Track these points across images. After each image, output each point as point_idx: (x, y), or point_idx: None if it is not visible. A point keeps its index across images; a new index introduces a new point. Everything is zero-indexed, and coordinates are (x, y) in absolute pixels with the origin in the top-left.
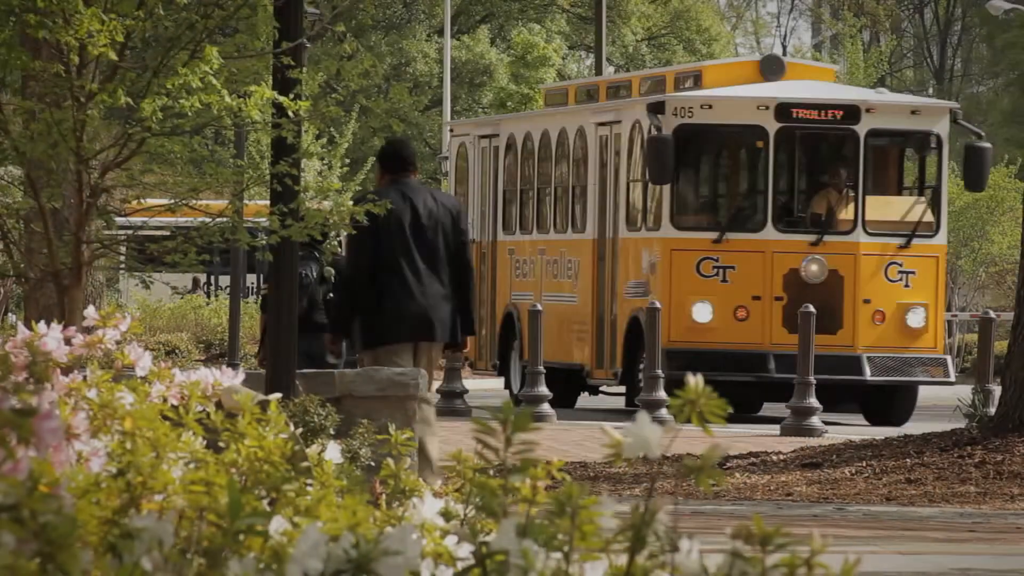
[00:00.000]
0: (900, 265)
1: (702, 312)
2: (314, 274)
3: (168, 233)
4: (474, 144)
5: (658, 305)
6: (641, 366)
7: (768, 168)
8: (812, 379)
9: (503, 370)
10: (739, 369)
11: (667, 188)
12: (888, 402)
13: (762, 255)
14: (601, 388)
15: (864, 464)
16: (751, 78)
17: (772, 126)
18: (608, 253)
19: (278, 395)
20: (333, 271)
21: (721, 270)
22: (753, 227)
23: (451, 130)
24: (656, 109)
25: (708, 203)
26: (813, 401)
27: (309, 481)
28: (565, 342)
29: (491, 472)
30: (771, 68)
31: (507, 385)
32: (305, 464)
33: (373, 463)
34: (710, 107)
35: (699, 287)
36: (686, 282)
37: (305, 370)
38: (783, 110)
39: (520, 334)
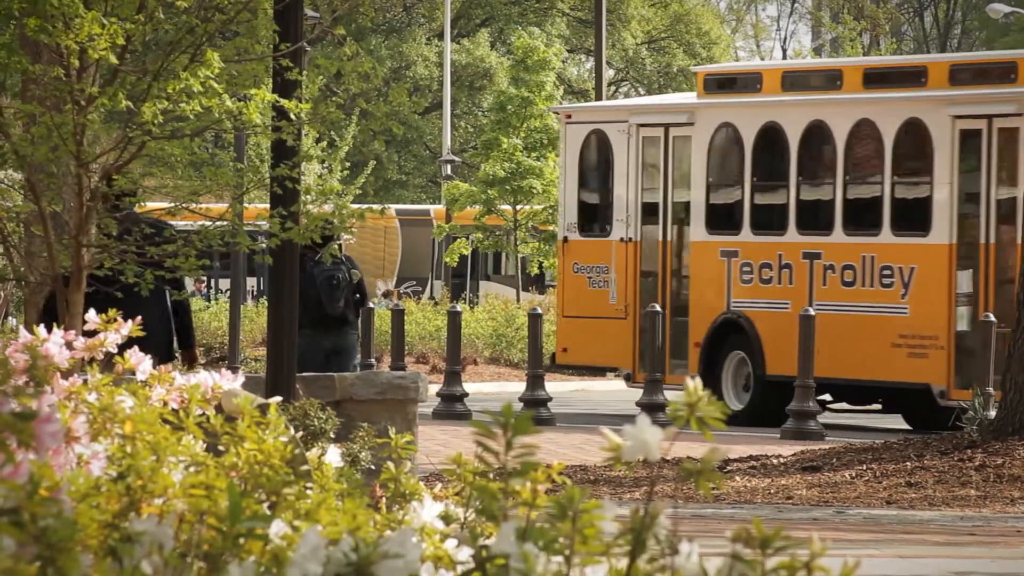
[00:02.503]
0: None
1: None
2: (346, 275)
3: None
4: (629, 133)
5: None
6: None
7: None
8: (812, 382)
9: (706, 383)
10: None
11: None
12: None
13: None
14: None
15: (864, 467)
16: None
17: None
18: (980, 259)
19: (278, 398)
20: (357, 272)
21: None
22: None
23: (568, 117)
24: None
25: None
26: (813, 404)
27: (309, 485)
28: (868, 355)
29: (491, 476)
30: None
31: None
32: (305, 468)
33: (373, 467)
34: None
35: None
36: None
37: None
38: None
39: (752, 344)
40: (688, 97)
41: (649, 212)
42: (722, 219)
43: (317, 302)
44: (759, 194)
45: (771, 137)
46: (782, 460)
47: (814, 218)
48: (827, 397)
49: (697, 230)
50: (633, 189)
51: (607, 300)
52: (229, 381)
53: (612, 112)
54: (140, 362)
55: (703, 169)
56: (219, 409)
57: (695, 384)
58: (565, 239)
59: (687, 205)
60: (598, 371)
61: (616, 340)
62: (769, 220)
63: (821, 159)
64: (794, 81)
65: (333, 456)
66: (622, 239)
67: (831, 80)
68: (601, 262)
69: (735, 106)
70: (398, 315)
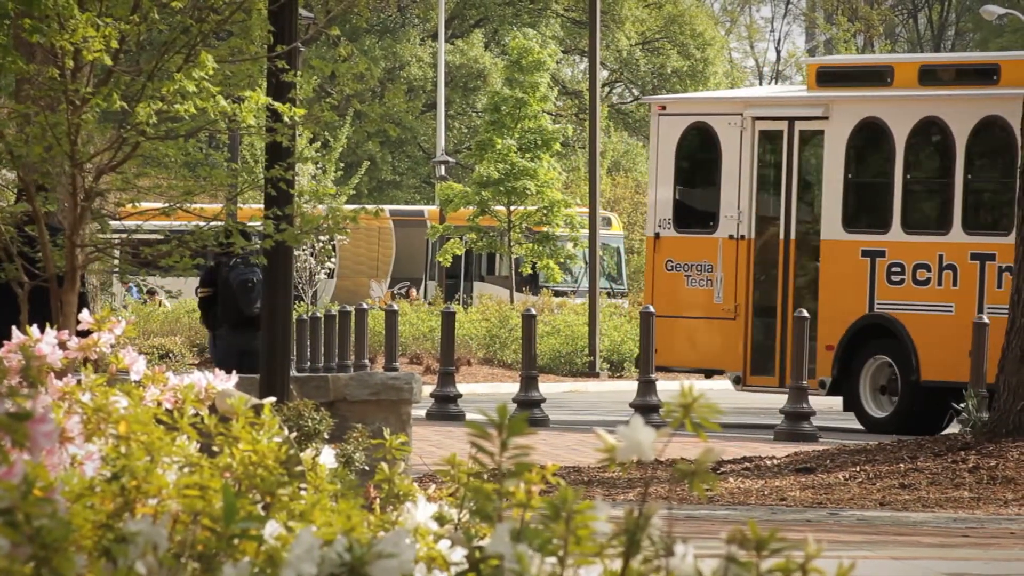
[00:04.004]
0: None
1: None
2: (260, 277)
3: (162, 237)
4: (743, 126)
5: None
6: None
7: None
8: (805, 383)
9: (841, 388)
10: None
11: None
12: None
13: None
14: None
15: (858, 469)
16: None
17: None
18: None
19: (272, 399)
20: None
21: None
22: None
23: (662, 108)
24: None
25: None
26: (806, 406)
27: (303, 485)
28: None
29: (486, 476)
30: None
31: (849, 406)
32: (299, 468)
33: (367, 467)
34: None
35: None
36: None
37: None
38: None
39: (902, 348)
40: (793, 90)
41: (765, 209)
42: (865, 217)
43: (234, 304)
44: (913, 192)
45: (928, 133)
46: (776, 461)
47: (984, 218)
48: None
49: (831, 228)
50: (747, 185)
51: (710, 299)
52: (223, 382)
53: (719, 104)
54: (134, 362)
55: (840, 165)
56: (213, 409)
57: (689, 385)
58: (657, 235)
59: (815, 202)
60: (692, 373)
61: (721, 341)
62: (925, 219)
63: (992, 155)
64: (934, 75)
65: (327, 457)
66: (731, 236)
67: (986, 75)
68: (704, 260)
69: (882, 100)
70: (391, 316)
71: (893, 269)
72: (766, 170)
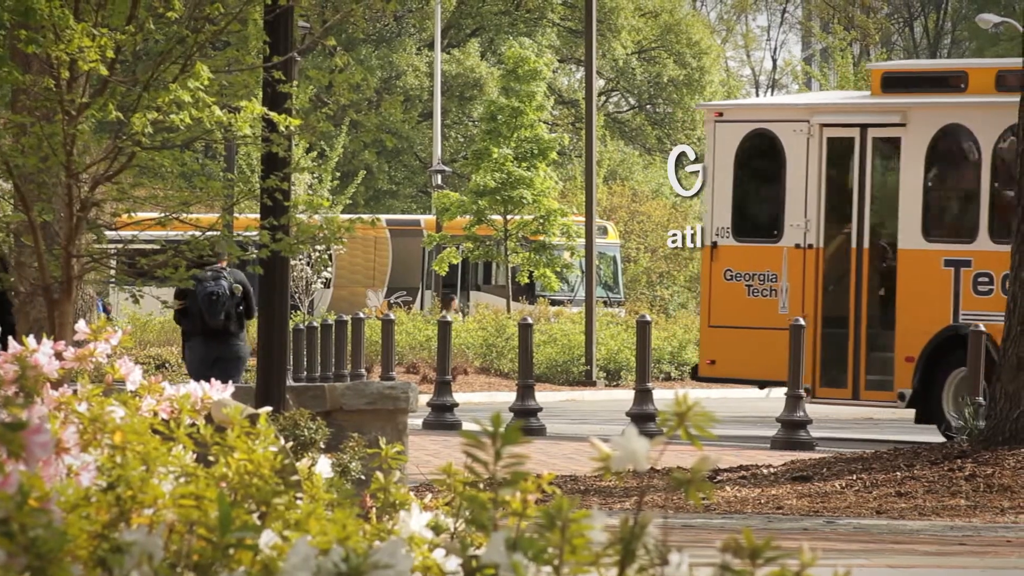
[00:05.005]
0: None
1: None
2: (227, 291)
3: (158, 247)
4: (810, 133)
5: None
6: None
7: None
8: (802, 392)
9: (920, 401)
10: None
11: None
12: None
13: None
14: None
15: (854, 477)
16: None
17: None
18: None
19: (268, 408)
20: (239, 286)
21: None
22: None
23: (719, 115)
24: None
25: None
26: (803, 414)
27: (299, 495)
28: None
29: (481, 486)
30: None
31: (927, 418)
32: (295, 478)
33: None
34: None
35: None
36: None
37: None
38: None
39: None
40: (857, 96)
41: (834, 218)
42: (948, 227)
43: (201, 316)
44: (1001, 200)
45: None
46: (772, 470)
47: None
48: None
49: (910, 237)
50: (814, 193)
51: (774, 310)
52: (219, 391)
53: (783, 111)
54: (130, 372)
55: (919, 173)
56: (209, 419)
57: (683, 394)
58: (714, 244)
59: (890, 211)
60: (751, 384)
61: (787, 352)
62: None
63: None
64: (1010, 80)
65: (323, 466)
66: (797, 245)
67: None
68: (767, 269)
69: (964, 106)
70: (388, 325)
71: (980, 279)
72: (835, 178)
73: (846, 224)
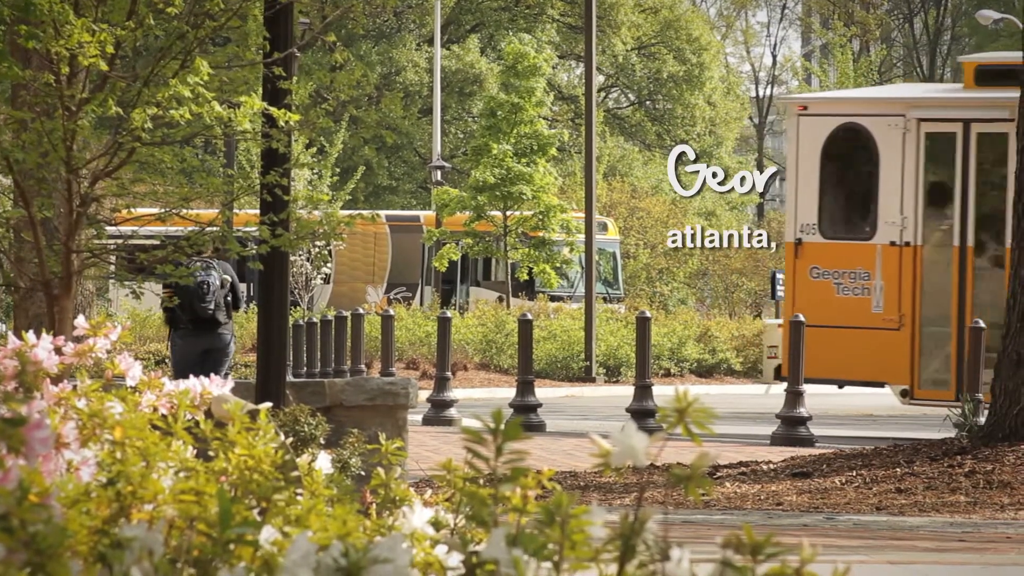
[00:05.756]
0: None
1: None
2: (217, 282)
3: (158, 242)
4: (906, 128)
5: None
6: None
7: None
8: (803, 388)
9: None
10: None
11: None
12: None
13: None
14: None
15: (854, 474)
16: None
17: None
18: None
19: (268, 404)
20: (228, 278)
21: None
22: None
23: (803, 108)
24: None
25: None
26: (803, 411)
27: (299, 490)
28: None
29: (481, 481)
30: None
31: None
32: (295, 473)
33: (363, 472)
34: None
35: None
36: None
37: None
38: None
39: None
40: (953, 89)
41: (933, 215)
42: None
43: (191, 305)
44: None
45: None
46: (772, 466)
47: None
48: None
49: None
50: (911, 189)
51: (867, 308)
52: (219, 387)
53: (875, 104)
54: (130, 368)
55: None
56: (209, 415)
57: (683, 390)
58: (799, 241)
59: (995, 207)
60: (839, 385)
61: (882, 352)
62: None
63: None
64: None
65: (323, 462)
66: (893, 243)
67: None
68: (858, 267)
69: None
70: (387, 321)
71: None
72: (934, 174)
73: (947, 221)
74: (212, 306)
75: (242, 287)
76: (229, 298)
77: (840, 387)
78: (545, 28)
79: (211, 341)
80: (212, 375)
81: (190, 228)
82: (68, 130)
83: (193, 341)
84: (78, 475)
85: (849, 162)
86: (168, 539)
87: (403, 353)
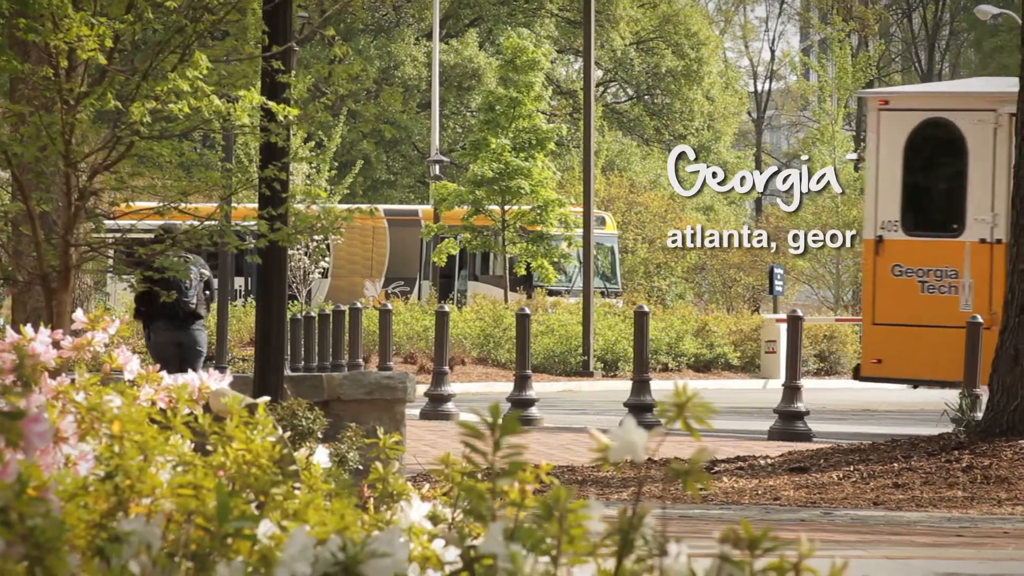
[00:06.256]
0: None
1: None
2: (196, 276)
3: (157, 236)
4: (998, 124)
5: None
6: None
7: None
8: (800, 383)
9: None
10: None
11: None
12: None
13: None
14: None
15: (852, 468)
16: None
17: None
18: None
19: (266, 398)
20: (205, 272)
21: None
22: None
23: (884, 102)
24: None
25: None
26: (801, 405)
27: (297, 485)
28: None
29: (479, 476)
30: None
31: None
32: (293, 468)
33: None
34: None
35: None
36: None
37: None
38: None
39: None
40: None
41: None
42: None
43: (173, 301)
44: None
45: None
46: (769, 461)
47: None
48: None
49: None
50: (1003, 185)
51: (954, 307)
52: (217, 381)
53: (962, 99)
54: (128, 362)
55: None
56: (207, 409)
57: (683, 385)
58: (879, 239)
59: None
60: (920, 385)
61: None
62: None
63: None
64: None
65: (321, 456)
66: (983, 240)
67: None
68: (945, 265)
69: None
70: (385, 315)
71: None
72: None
73: None
74: (194, 301)
75: (215, 282)
76: (207, 292)
77: (915, 387)
78: (544, 22)
79: (187, 336)
80: (190, 370)
81: (188, 222)
82: (67, 124)
83: (170, 335)
84: (76, 469)
85: (935, 158)
86: (166, 533)
87: (401, 347)
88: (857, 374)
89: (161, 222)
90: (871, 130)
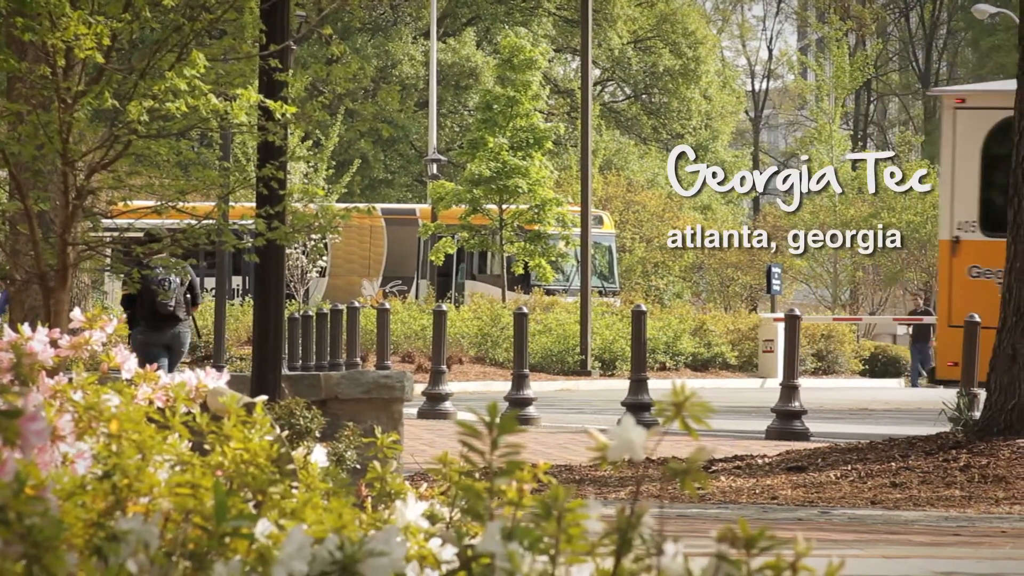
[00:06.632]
0: None
1: None
2: (177, 280)
3: (154, 235)
4: None
5: None
6: None
7: None
8: (798, 382)
9: None
10: None
11: None
12: None
13: None
14: None
15: (849, 468)
16: None
17: None
18: None
19: (263, 397)
20: (188, 274)
21: None
22: None
23: (960, 101)
24: None
25: None
26: (798, 405)
27: (295, 484)
28: None
29: (477, 475)
30: None
31: None
32: (291, 467)
33: (359, 466)
34: None
35: None
36: None
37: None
38: None
39: None
40: None
41: None
42: None
43: (152, 302)
44: None
45: None
46: (767, 460)
47: None
48: None
49: None
50: None
51: None
52: (214, 380)
53: None
54: (125, 360)
55: None
56: (205, 408)
57: (681, 384)
58: (956, 239)
59: None
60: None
61: None
62: None
63: None
64: None
65: (319, 455)
66: None
67: None
68: None
69: None
70: (383, 314)
71: None
72: None
73: None
74: (172, 303)
75: (198, 281)
76: (188, 296)
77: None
78: (541, 21)
79: (168, 337)
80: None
81: (186, 221)
82: (64, 122)
83: (153, 336)
84: (74, 468)
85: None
86: (164, 532)
87: (398, 346)
88: (932, 377)
89: (156, 221)
90: (946, 129)
